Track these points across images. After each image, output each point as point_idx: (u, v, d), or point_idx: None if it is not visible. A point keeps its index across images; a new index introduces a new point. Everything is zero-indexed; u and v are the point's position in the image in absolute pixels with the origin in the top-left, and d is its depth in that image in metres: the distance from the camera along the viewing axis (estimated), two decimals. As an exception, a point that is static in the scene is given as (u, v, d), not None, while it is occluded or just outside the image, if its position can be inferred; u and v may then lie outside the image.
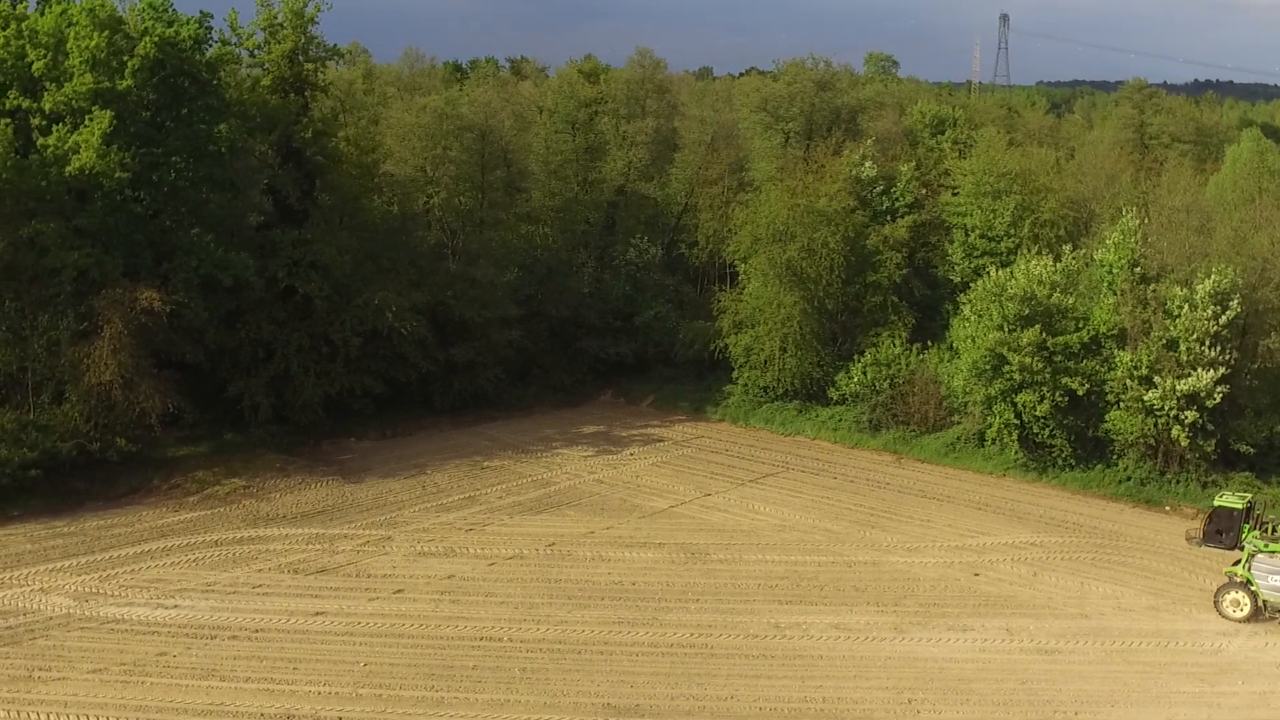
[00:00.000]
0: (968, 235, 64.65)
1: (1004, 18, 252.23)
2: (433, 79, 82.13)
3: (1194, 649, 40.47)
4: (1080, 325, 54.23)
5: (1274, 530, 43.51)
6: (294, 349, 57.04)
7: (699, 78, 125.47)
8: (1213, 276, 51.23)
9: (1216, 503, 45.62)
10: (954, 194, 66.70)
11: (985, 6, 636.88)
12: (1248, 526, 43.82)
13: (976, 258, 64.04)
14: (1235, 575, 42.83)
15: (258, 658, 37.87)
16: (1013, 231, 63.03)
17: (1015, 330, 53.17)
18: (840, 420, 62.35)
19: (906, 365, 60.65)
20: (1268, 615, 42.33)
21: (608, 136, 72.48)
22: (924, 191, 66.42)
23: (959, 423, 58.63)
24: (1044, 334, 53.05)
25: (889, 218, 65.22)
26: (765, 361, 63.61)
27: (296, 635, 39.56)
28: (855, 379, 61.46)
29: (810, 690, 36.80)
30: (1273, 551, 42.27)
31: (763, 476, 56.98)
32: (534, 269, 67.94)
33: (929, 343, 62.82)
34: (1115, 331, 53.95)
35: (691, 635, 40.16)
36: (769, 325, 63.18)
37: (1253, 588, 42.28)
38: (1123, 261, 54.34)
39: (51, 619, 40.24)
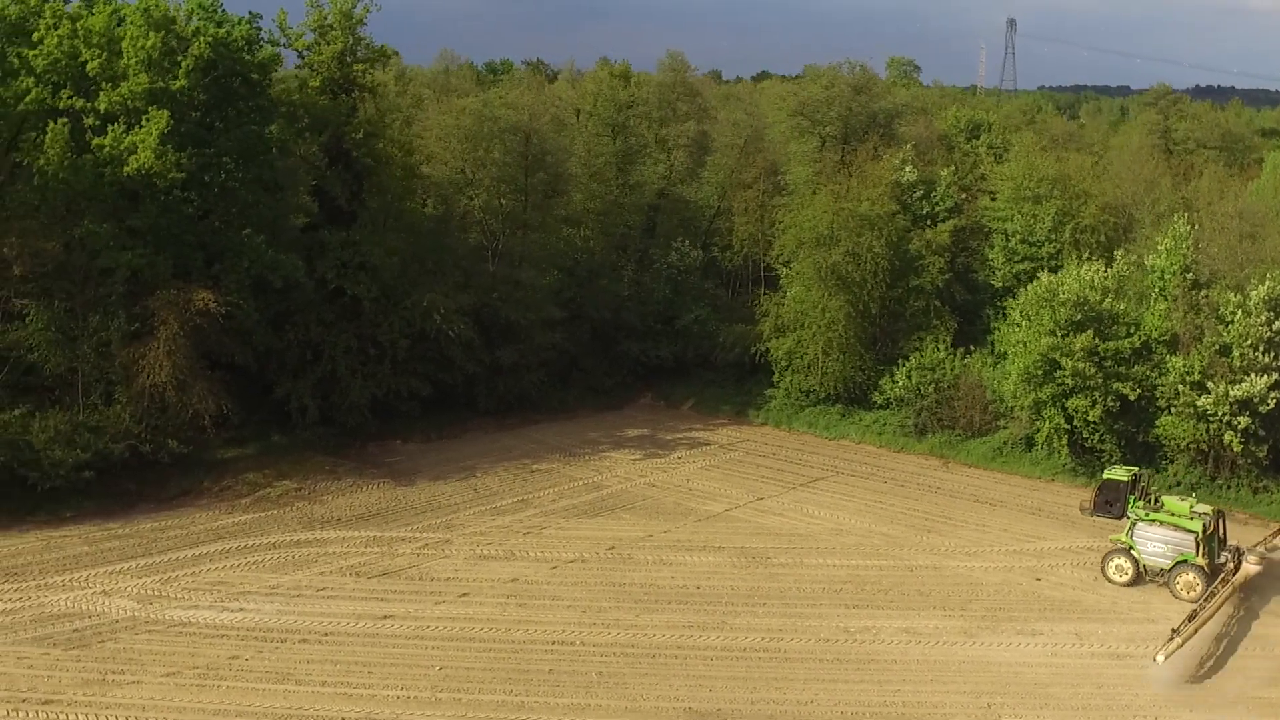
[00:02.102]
0: (1008, 240, 64.67)
1: (1011, 22, 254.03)
2: (465, 81, 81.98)
3: (1262, 654, 40.50)
4: (1131, 331, 54.26)
5: (1156, 501, 46.47)
6: (341, 350, 56.81)
7: (712, 81, 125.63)
8: (1267, 282, 51.38)
9: (1105, 475, 48.95)
10: (992, 199, 66.73)
11: (987, 11, 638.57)
12: (1133, 497, 46.88)
13: (1017, 262, 64.09)
14: (1120, 542, 46.01)
15: (331, 661, 37.69)
16: (1054, 237, 63.06)
17: (1068, 335, 53.24)
18: (885, 424, 62.36)
19: (951, 370, 60.64)
20: (1148, 579, 45.39)
21: (648, 139, 72.39)
22: (963, 196, 66.44)
23: (1005, 427, 58.61)
24: (1096, 339, 53.13)
25: (929, 222, 65.24)
26: (809, 365, 63.59)
27: (367, 639, 39.38)
28: (900, 383, 61.42)
29: (889, 694, 36.78)
30: (1153, 520, 45.31)
31: (813, 480, 56.96)
32: (574, 271, 67.84)
33: (972, 347, 62.82)
34: (1167, 337, 53.98)
35: (763, 639, 40.12)
36: (813, 329, 63.18)
37: (1134, 553, 45.45)
38: (1174, 267, 54.49)
39: (117, 622, 40.00)
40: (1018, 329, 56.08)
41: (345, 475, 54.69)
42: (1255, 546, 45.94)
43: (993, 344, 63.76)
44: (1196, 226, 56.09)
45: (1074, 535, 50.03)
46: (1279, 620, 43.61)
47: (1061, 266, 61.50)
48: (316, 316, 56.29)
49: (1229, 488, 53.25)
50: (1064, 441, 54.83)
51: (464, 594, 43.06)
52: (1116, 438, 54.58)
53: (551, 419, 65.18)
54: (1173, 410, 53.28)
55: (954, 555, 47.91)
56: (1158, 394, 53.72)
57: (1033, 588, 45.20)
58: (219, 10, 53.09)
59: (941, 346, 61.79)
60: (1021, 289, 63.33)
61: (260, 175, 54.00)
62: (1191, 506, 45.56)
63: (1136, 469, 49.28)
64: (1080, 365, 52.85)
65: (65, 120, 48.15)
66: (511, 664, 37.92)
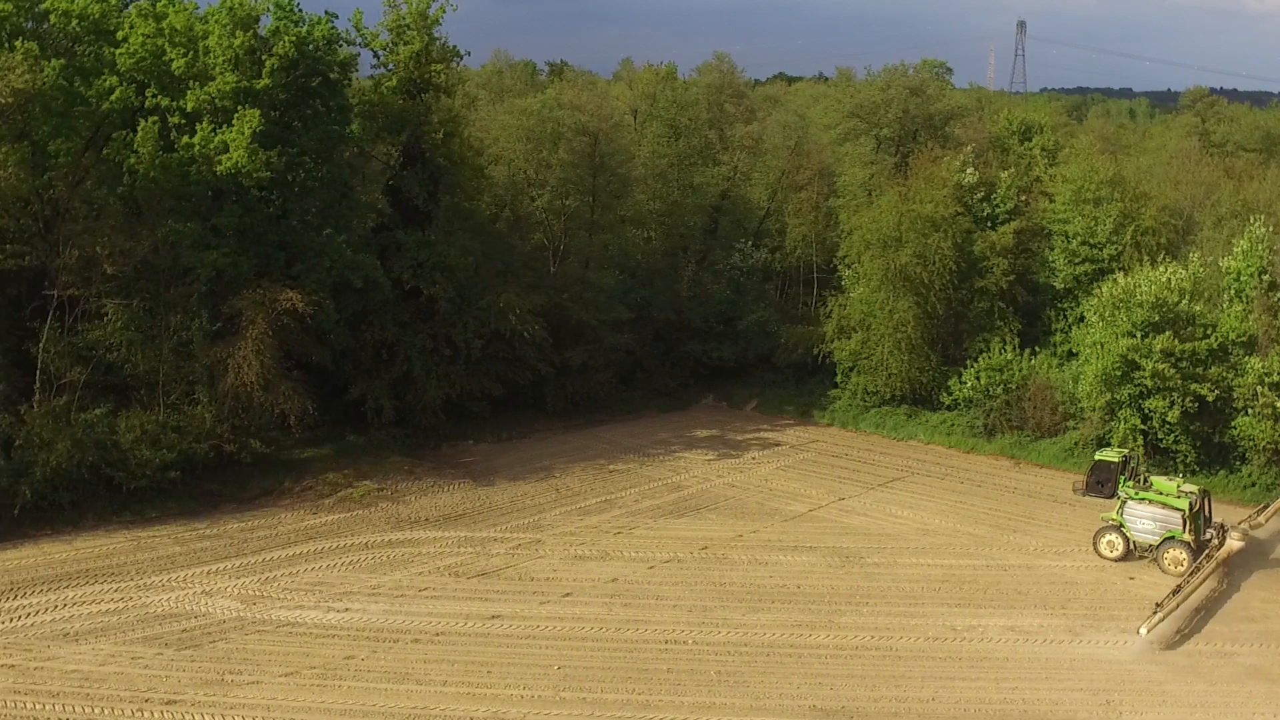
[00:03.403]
0: (1069, 242, 64.89)
1: (1021, 24, 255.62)
2: (519, 81, 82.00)
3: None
4: (1208, 332, 54.63)
5: (1146, 481, 48.60)
6: (417, 350, 56.70)
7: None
8: (1347, 285, 51.93)
9: (1097, 457, 51.81)
10: (1050, 201, 67.05)
11: (987, 15, 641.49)
12: (1124, 478, 49.40)
13: (1078, 264, 64.31)
14: (1111, 520, 48.24)
15: (447, 661, 37.64)
16: (1115, 239, 63.36)
17: (1147, 336, 53.58)
18: (953, 425, 62.58)
19: (1019, 371, 60.88)
20: (1138, 555, 47.60)
21: (712, 140, 72.49)
22: (1023, 198, 66.74)
23: (1074, 428, 58.87)
24: (1174, 340, 53.44)
25: (989, 224, 65.50)
26: (876, 366, 63.82)
27: (479, 638, 39.35)
28: (968, 384, 61.61)
29: (1007, 692, 36.87)
30: (1142, 499, 47.48)
31: (890, 481, 57.17)
32: (635, 272, 67.89)
33: (1036, 349, 63.10)
34: (1244, 338, 54.36)
35: (872, 638, 40.21)
36: (880, 330, 63.42)
37: (1125, 530, 47.64)
38: (1251, 269, 54.92)
39: (224, 622, 39.86)
40: (1092, 330, 56.37)
41: (424, 475, 54.64)
42: (1239, 524, 47.71)
43: (1055, 345, 64.11)
44: (1272, 229, 56.42)
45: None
46: (1261, 593, 45.38)
47: (1123, 268, 62.03)
48: (392, 317, 56.16)
49: (1305, 488, 53.61)
50: (1139, 442, 55.11)
51: (567, 594, 43.05)
52: (1191, 439, 54.88)
53: (618, 420, 65.29)
54: (1250, 411, 53.62)
55: (1044, 555, 48.14)
56: (1235, 395, 54.05)
57: (1128, 586, 45.42)
58: (295, 9, 52.89)
59: (1009, 348, 61.99)
60: (1083, 291, 64.12)
61: (338, 175, 53.94)
62: (1179, 486, 47.91)
63: (1126, 450, 52.30)
64: (1160, 366, 53.18)
65: (155, 119, 47.98)
66: (628, 663, 37.90)
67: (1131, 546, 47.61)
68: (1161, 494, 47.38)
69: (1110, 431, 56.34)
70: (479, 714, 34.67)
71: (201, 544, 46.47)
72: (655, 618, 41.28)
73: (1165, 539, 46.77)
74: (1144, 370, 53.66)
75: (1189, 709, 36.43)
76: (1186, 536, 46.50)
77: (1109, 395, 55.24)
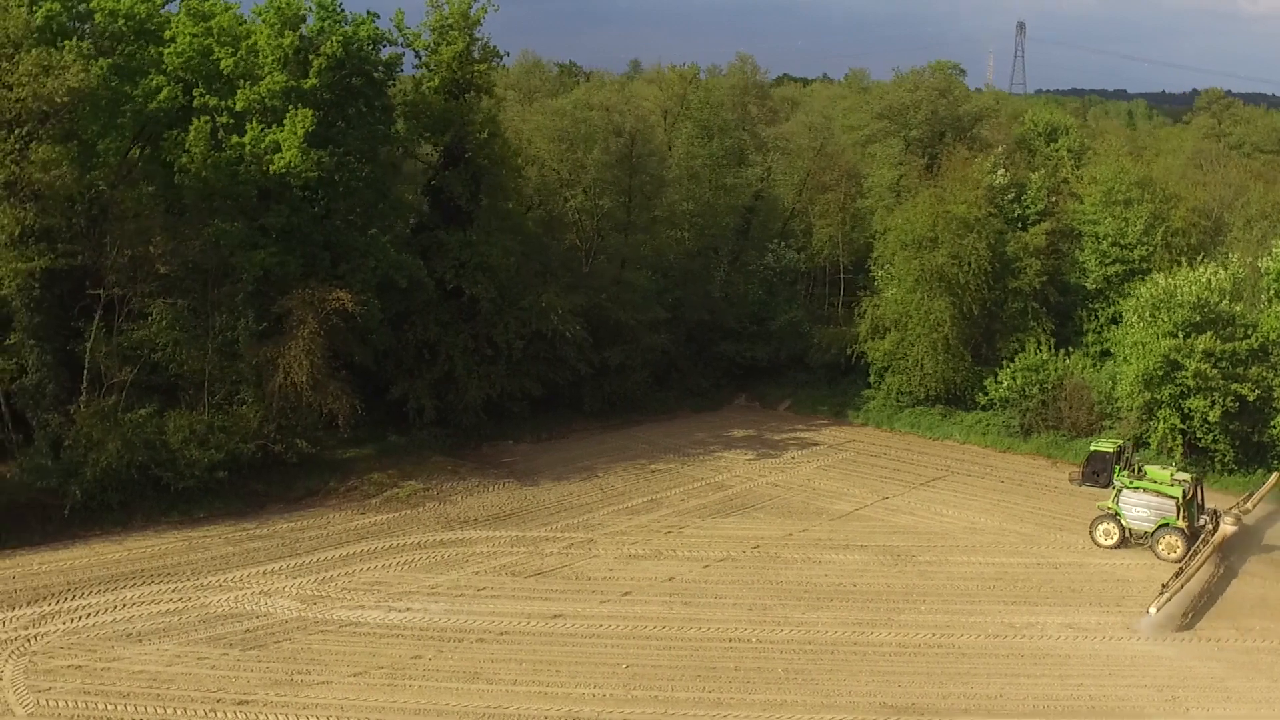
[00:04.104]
0: (1099, 243, 65.23)
1: (1020, 25, 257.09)
2: (547, 82, 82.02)
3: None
4: (1249, 332, 55.00)
5: (1140, 470, 49.94)
6: (459, 350, 56.70)
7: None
8: (1388, 285, 52.34)
9: (1092, 448, 53.17)
10: (1079, 202, 67.38)
11: (990, 16, 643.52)
12: (1118, 467, 50.50)
13: (1109, 265, 64.64)
14: (1106, 509, 49.66)
15: (515, 660, 37.69)
16: (1145, 240, 63.74)
17: (1190, 337, 53.95)
18: (988, 425, 62.77)
19: (1055, 371, 61.18)
20: (1134, 542, 48.90)
21: (746, 141, 72.71)
22: (1053, 199, 67.08)
23: (1110, 427, 59.12)
24: (1216, 340, 53.81)
25: (1019, 225, 65.81)
26: (911, 366, 64.07)
27: (544, 638, 39.43)
28: (1004, 384, 61.88)
29: (1072, 688, 37.11)
30: (1136, 487, 48.85)
31: (931, 480, 57.34)
32: (669, 273, 68.03)
33: (1069, 349, 63.39)
34: (1286, 339, 54.78)
35: (933, 636, 40.40)
36: (916, 330, 63.68)
37: (1120, 519, 49.03)
38: (1292, 270, 55.37)
39: (286, 622, 39.88)
40: (1132, 330, 56.68)
41: (468, 475, 54.63)
42: (1231, 510, 48.90)
43: (1087, 345, 64.42)
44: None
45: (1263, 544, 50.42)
46: (1254, 578, 46.35)
47: (1153, 269, 62.43)
48: (434, 317, 56.16)
49: (1344, 486, 53.94)
50: (1179, 442, 55.46)
51: (626, 593, 43.14)
52: (1230, 438, 55.22)
53: (653, 420, 65.36)
54: (1290, 411, 54.02)
55: (1093, 553, 48.30)
56: (1275, 395, 54.36)
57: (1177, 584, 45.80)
58: (338, 8, 52.85)
59: (1044, 348, 62.27)
60: (1114, 291, 64.51)
61: (382, 175, 53.97)
62: (1172, 475, 49.14)
63: (1121, 441, 53.51)
64: (1202, 366, 53.49)
65: (207, 118, 47.96)
66: (695, 661, 38.00)
67: (1127, 534, 49.02)
68: (1155, 482, 48.78)
69: (1149, 431, 56.68)
70: (553, 713, 34.74)
71: (253, 544, 46.48)
72: (716, 616, 41.41)
73: (1160, 526, 48.20)
74: (1186, 370, 53.90)
75: (1254, 704, 36.67)
76: (1180, 523, 47.95)
77: (1149, 395, 55.50)
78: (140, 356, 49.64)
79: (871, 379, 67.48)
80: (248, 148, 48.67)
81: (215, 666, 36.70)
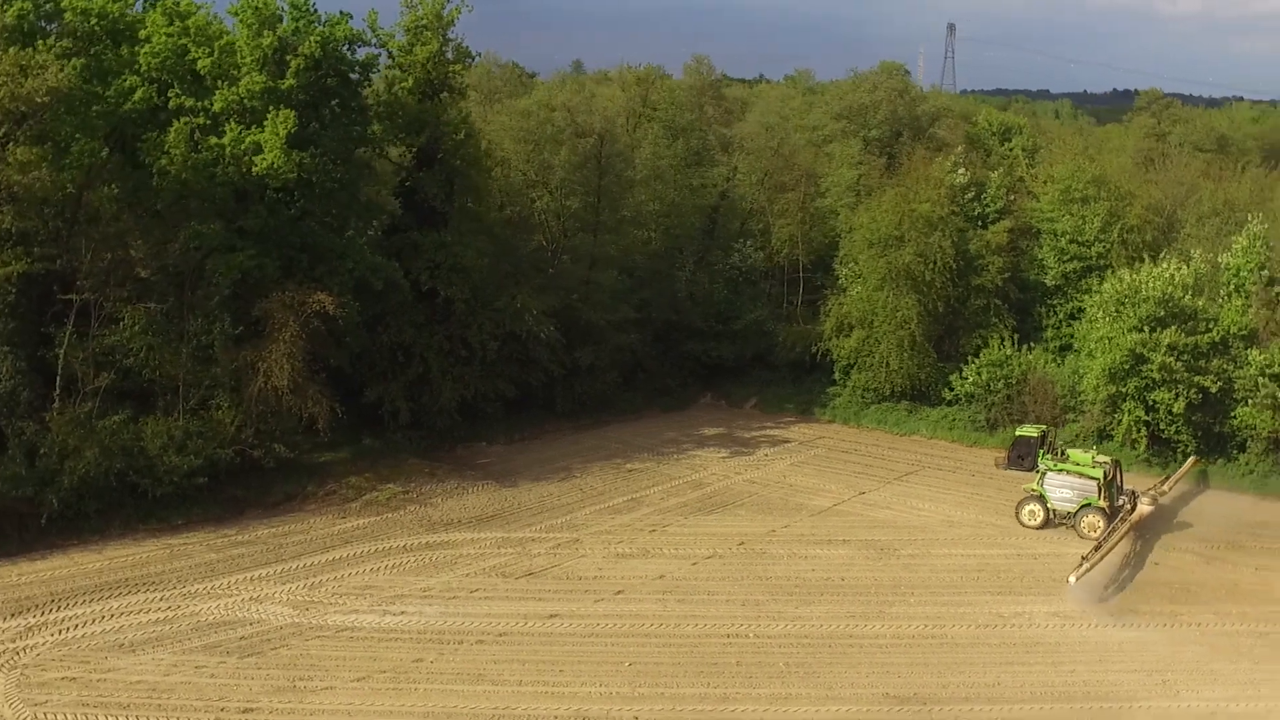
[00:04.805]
0: (1058, 240, 66.56)
1: (951, 26, 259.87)
2: (509, 84, 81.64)
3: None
4: (1210, 326, 56.49)
5: (1062, 453, 52.67)
6: (434, 352, 56.38)
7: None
8: (1345, 278, 54.10)
9: (1017, 433, 55.80)
10: (1036, 200, 68.66)
11: (918, 16, 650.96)
12: (1042, 451, 53.11)
13: (1067, 261, 65.97)
14: (1031, 490, 52.00)
15: (517, 661, 37.77)
16: (1103, 237, 65.13)
17: (1155, 331, 55.28)
18: (954, 420, 63.70)
19: (1018, 366, 62.28)
20: (1057, 522, 51.32)
21: (712, 142, 73.02)
22: (1012, 198, 68.25)
23: (1074, 420, 60.41)
24: (1180, 334, 55.21)
25: (979, 223, 66.92)
26: (878, 363, 64.84)
27: (543, 638, 39.56)
28: (970, 379, 62.84)
29: (1066, 675, 38.13)
30: (1060, 470, 51.40)
31: (904, 475, 58.15)
32: (635, 273, 68.21)
33: (1030, 344, 64.58)
34: (1245, 332, 56.32)
35: (925, 627, 41.22)
36: (883, 328, 64.45)
37: (1045, 500, 51.46)
38: (1251, 265, 56.95)
39: (281, 628, 39.58)
40: (1097, 325, 57.94)
41: (446, 478, 54.37)
42: (1148, 491, 51.87)
43: (1047, 340, 65.71)
44: (1268, 226, 58.50)
45: (1178, 522, 52.06)
46: (1223, 564, 48.28)
47: (1110, 266, 63.90)
48: (409, 318, 55.78)
49: (1300, 474, 55.71)
50: (1143, 434, 56.83)
51: (619, 591, 43.36)
52: (1193, 429, 56.69)
53: (623, 420, 65.38)
54: (1250, 402, 55.53)
55: (1070, 543, 49.10)
56: (1236, 386, 55.97)
57: (1154, 572, 47.04)
58: (311, 8, 52.39)
59: (1007, 344, 63.38)
60: (1072, 287, 65.93)
61: (356, 177, 53.61)
62: (1093, 457, 51.87)
63: (1045, 427, 56.71)
64: (1167, 360, 54.89)
65: (187, 119, 47.33)
66: (697, 657, 38.36)
67: (1051, 515, 51.34)
68: (1078, 465, 51.38)
69: (1112, 423, 58.00)
70: (562, 713, 34.90)
71: (237, 550, 45.95)
72: (711, 613, 41.79)
73: (1082, 506, 50.60)
74: (1152, 364, 55.30)
75: (1240, 685, 37.90)
76: (1101, 503, 50.38)
77: (1113, 388, 56.83)
78: (114, 362, 48.87)
79: (837, 376, 68.12)
80: (227, 149, 48.05)
81: (214, 675, 36.34)
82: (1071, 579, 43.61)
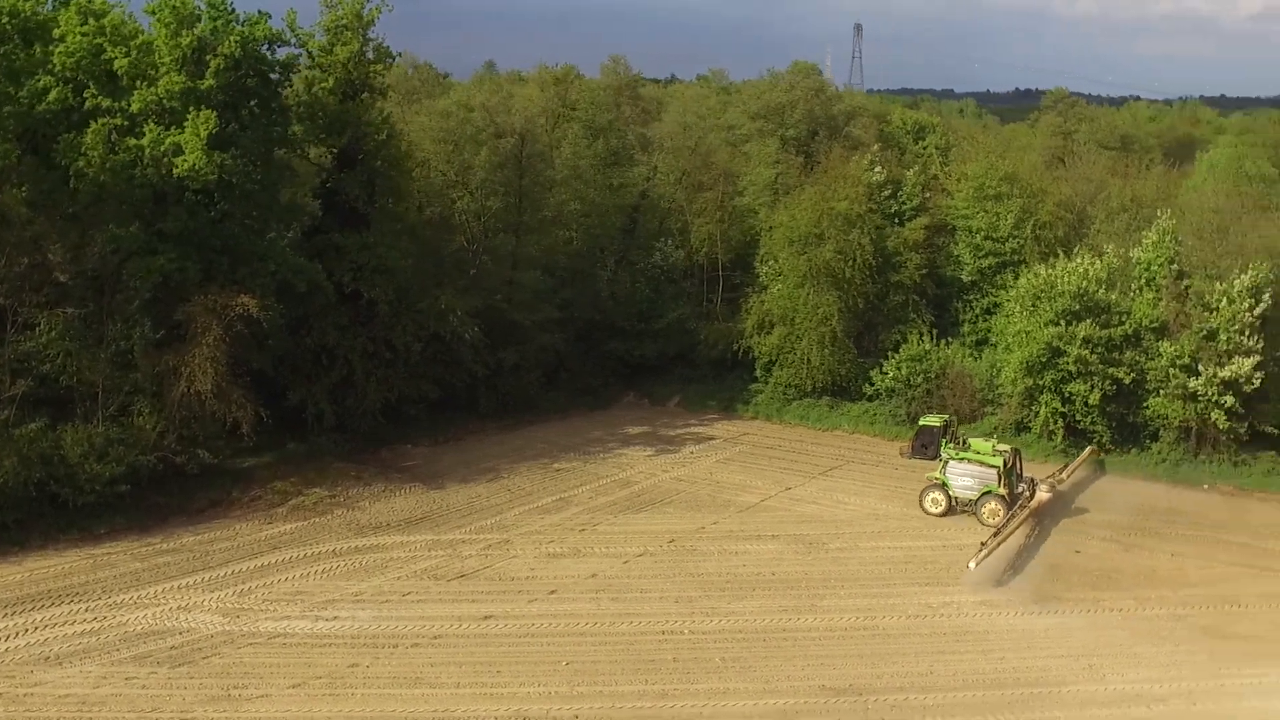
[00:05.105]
0: (973, 236, 67.85)
1: (858, 27, 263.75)
2: (428, 84, 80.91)
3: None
4: (1123, 319, 57.96)
5: (964, 442, 53.67)
6: (358, 354, 55.93)
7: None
8: (1250, 271, 55.69)
9: (921, 423, 57.26)
10: (950, 197, 69.88)
11: (823, 18, 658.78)
12: (945, 440, 54.28)
13: (982, 258, 67.28)
14: (934, 479, 53.24)
15: (454, 663, 37.64)
16: (1016, 233, 66.52)
17: (1071, 324, 56.60)
18: (875, 415, 64.48)
19: (937, 360, 63.38)
20: (960, 509, 52.48)
21: (632, 142, 73.09)
22: (927, 195, 69.38)
23: (993, 413, 61.67)
24: (1095, 327, 56.59)
25: (896, 221, 67.98)
26: (799, 360, 65.48)
27: (479, 639, 39.45)
28: (890, 375, 63.85)
29: (996, 662, 38.94)
30: (962, 459, 52.55)
31: (829, 470, 58.74)
32: (556, 272, 68.21)
33: (948, 339, 65.76)
34: (1156, 324, 57.86)
35: (857, 619, 41.78)
36: (804, 325, 65.10)
37: (947, 488, 52.65)
38: (1161, 259, 58.55)
39: (211, 637, 38.98)
40: (1014, 320, 59.18)
41: (372, 481, 53.94)
42: (1047, 479, 53.24)
43: (964, 335, 67.01)
44: (1175, 222, 60.15)
45: (1096, 511, 53.33)
46: (1140, 550, 49.41)
47: (1024, 261, 65.33)
48: (332, 321, 55.22)
49: (1211, 462, 57.22)
50: (1060, 425, 58.18)
51: (552, 591, 43.36)
52: (1108, 420, 58.18)
53: (546, 420, 65.29)
54: (1162, 393, 57.16)
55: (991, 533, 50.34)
56: (1148, 377, 57.55)
57: (1075, 560, 48.09)
58: (228, 8, 51.61)
59: (926, 339, 64.48)
60: (988, 283, 67.28)
61: (277, 178, 52.94)
62: (994, 446, 53.11)
63: (947, 416, 57.78)
64: (1082, 352, 56.27)
65: (106, 120, 46.34)
66: (633, 655, 38.51)
67: (954, 502, 52.55)
68: (979, 454, 52.52)
69: (1030, 415, 59.31)
70: (501, 714, 34.82)
71: (162, 559, 45.15)
72: (645, 610, 41.97)
73: (983, 494, 51.82)
74: (1068, 356, 56.68)
75: (1163, 668, 38.90)
76: (1001, 490, 51.68)
77: (1031, 381, 58.14)
78: (30, 369, 47.74)
79: (758, 373, 68.63)
80: (147, 150, 47.15)
81: (146, 686, 35.70)
82: (971, 565, 44.80)
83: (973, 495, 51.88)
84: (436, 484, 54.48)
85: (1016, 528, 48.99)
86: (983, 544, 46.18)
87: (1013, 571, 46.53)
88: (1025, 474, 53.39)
